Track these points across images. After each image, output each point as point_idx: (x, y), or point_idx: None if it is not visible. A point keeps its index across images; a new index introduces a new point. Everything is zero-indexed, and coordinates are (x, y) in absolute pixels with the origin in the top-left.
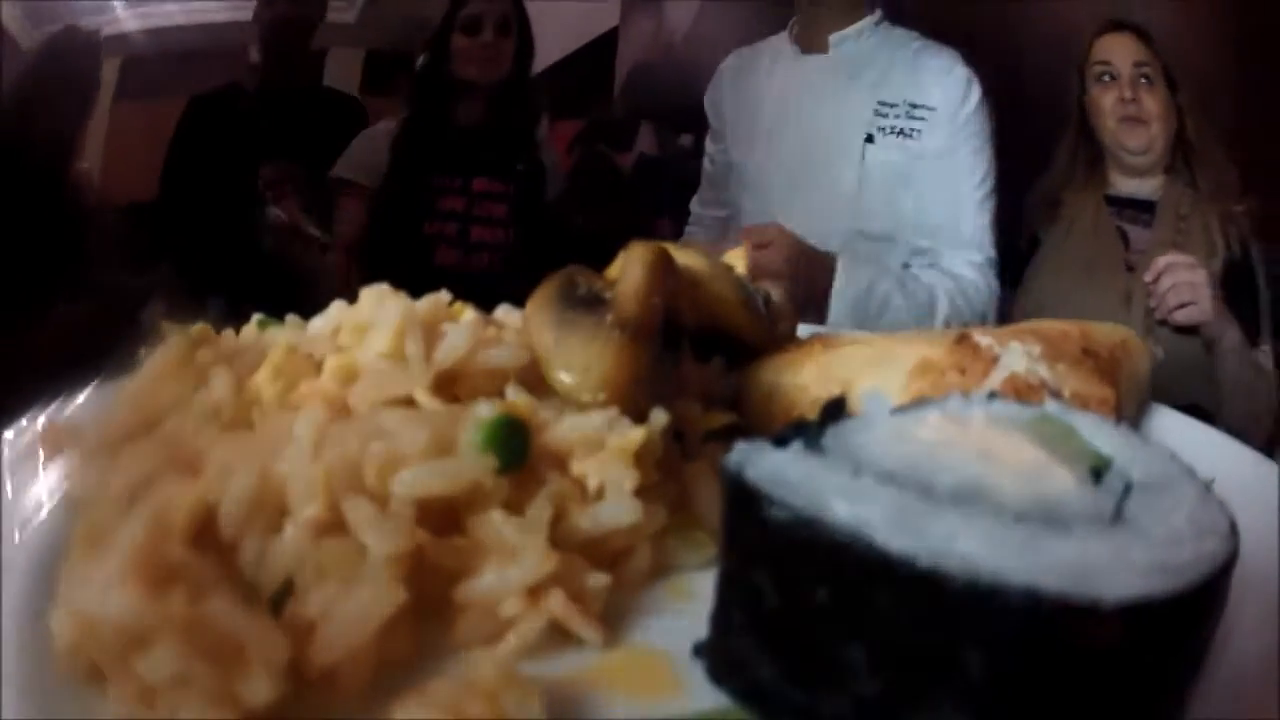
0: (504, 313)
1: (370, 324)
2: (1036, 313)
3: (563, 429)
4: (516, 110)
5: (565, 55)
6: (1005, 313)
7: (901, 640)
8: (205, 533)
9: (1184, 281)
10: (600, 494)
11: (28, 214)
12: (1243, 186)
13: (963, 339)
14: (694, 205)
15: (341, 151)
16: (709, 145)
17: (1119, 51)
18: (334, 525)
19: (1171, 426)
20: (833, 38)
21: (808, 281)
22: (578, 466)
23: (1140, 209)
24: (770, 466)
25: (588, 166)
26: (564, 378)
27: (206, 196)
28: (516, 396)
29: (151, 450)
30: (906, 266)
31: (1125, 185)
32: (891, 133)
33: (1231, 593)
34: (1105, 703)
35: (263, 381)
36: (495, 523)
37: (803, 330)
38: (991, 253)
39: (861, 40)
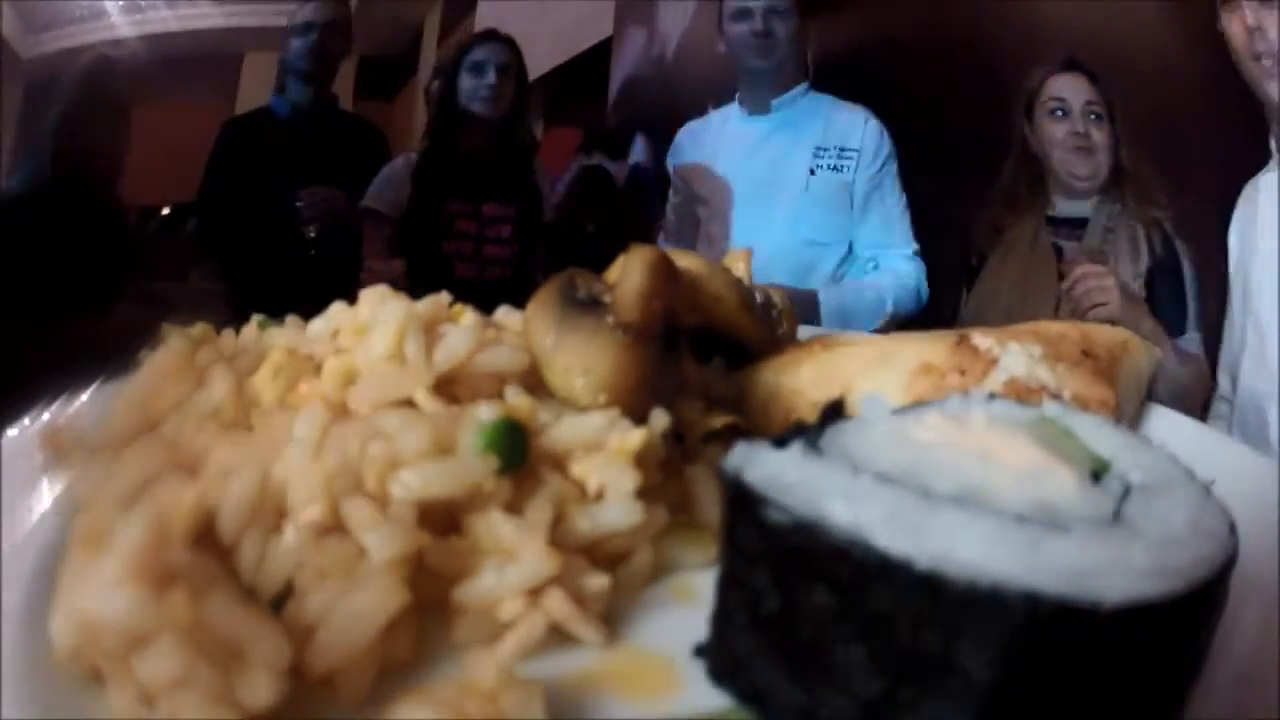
0: (504, 314)
1: (370, 325)
2: (977, 315)
3: (562, 430)
4: (516, 142)
5: (559, 64)
6: (956, 309)
7: (901, 642)
8: (205, 534)
9: (1095, 286)
10: (600, 495)
11: (80, 226)
12: (1167, 197)
13: (963, 340)
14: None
15: (362, 173)
16: (671, 198)
17: (1072, 90)
18: (334, 527)
19: (1171, 428)
20: (774, 102)
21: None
22: (578, 468)
23: (1074, 226)
24: (769, 468)
25: (585, 177)
26: (564, 379)
27: (244, 212)
28: (516, 398)
29: (152, 451)
30: (841, 268)
31: (1064, 206)
32: (827, 168)
33: (1232, 593)
34: (1105, 704)
35: (262, 383)
36: (495, 524)
37: (803, 332)
38: (915, 245)
39: (795, 104)
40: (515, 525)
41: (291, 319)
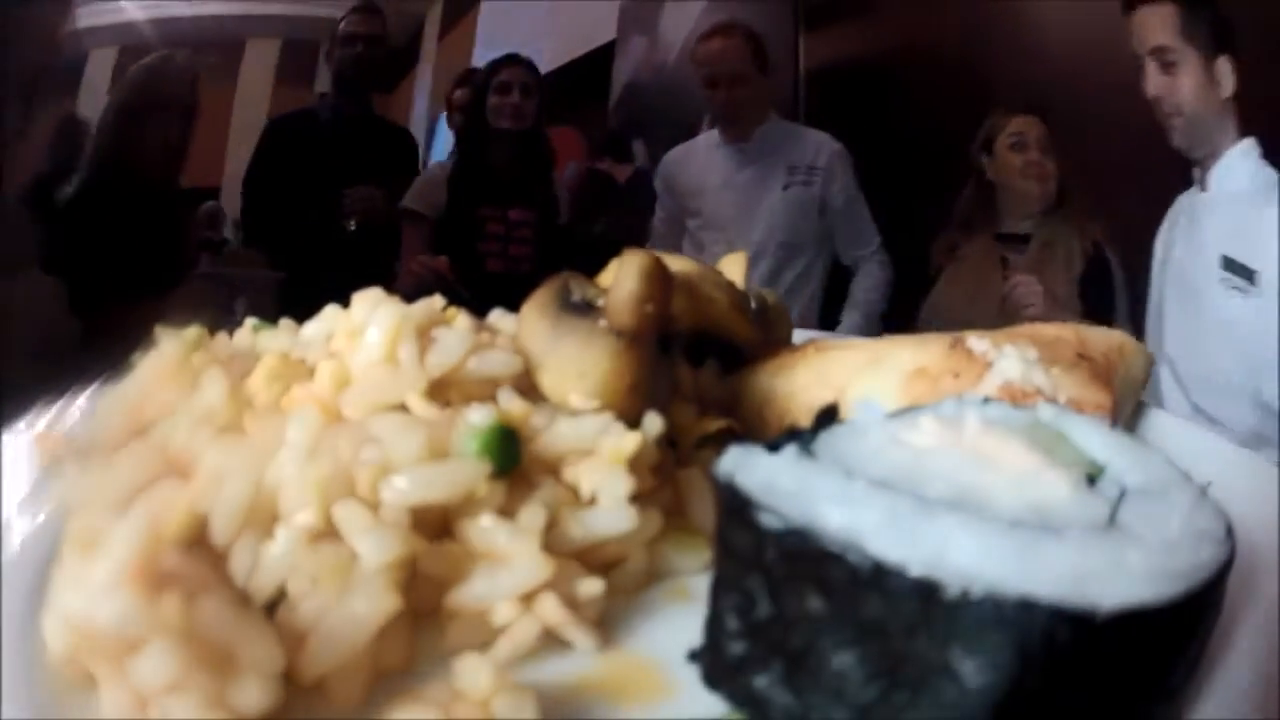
0: (498, 318)
1: (363, 329)
2: (932, 315)
3: (556, 435)
4: (537, 154)
5: (562, 64)
6: (917, 306)
7: (895, 648)
8: (198, 538)
9: (1025, 291)
10: (594, 500)
11: (143, 213)
12: (1099, 216)
13: (957, 344)
14: None
15: (396, 174)
16: (658, 212)
17: (1031, 128)
18: (326, 532)
19: (1170, 431)
20: (757, 131)
21: None
22: (571, 472)
23: (1020, 241)
24: (762, 473)
25: (587, 180)
26: (558, 383)
27: (289, 205)
28: (510, 402)
29: (145, 455)
30: (811, 266)
31: (1011, 225)
32: (798, 184)
33: (1232, 596)
34: (1101, 709)
35: (256, 386)
36: (488, 529)
37: (798, 336)
38: (879, 238)
39: (770, 130)
40: (508, 530)
41: (285, 322)
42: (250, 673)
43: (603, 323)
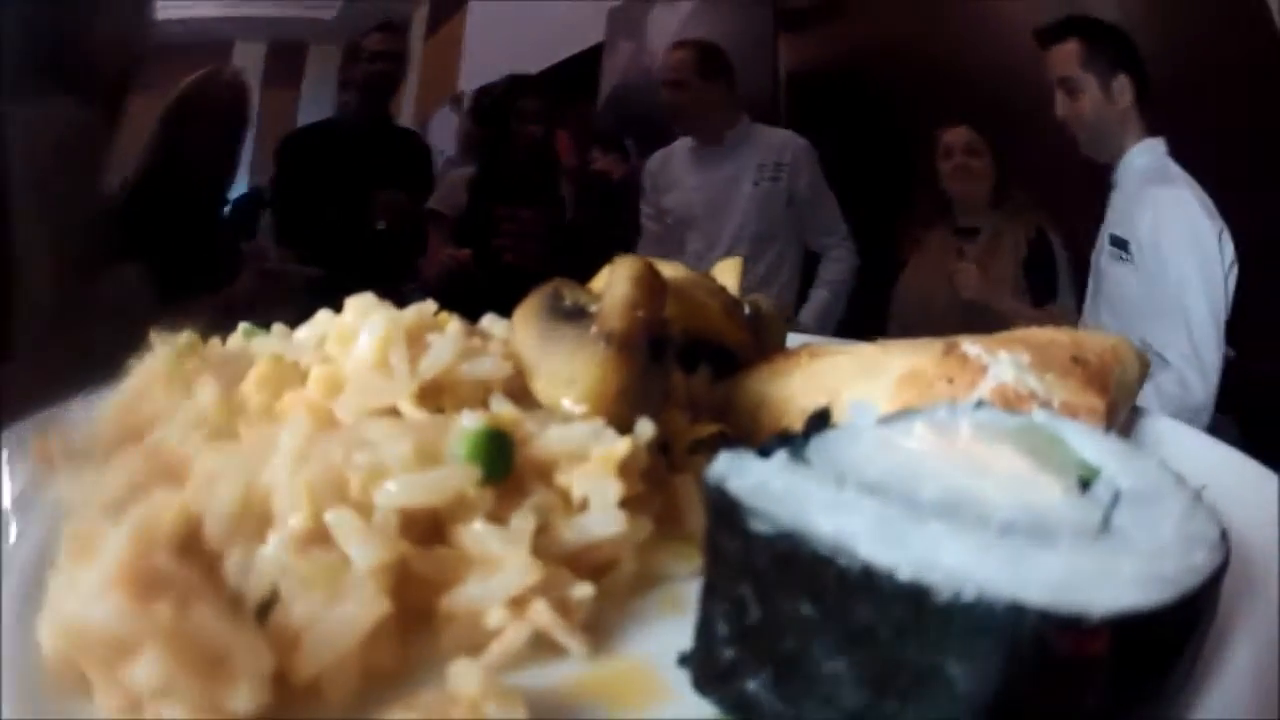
0: (489, 322)
1: (355, 333)
2: (902, 300)
3: (547, 440)
4: (547, 161)
5: (552, 64)
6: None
7: (885, 654)
8: (191, 542)
9: (964, 277)
10: (585, 505)
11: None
12: (1039, 208)
13: (951, 348)
14: None
15: (407, 174)
16: (644, 210)
17: (957, 136)
18: (318, 536)
19: (1163, 434)
20: (728, 134)
21: None
22: (562, 477)
23: (972, 233)
24: (753, 478)
25: (582, 179)
26: (549, 388)
27: (317, 209)
28: (501, 407)
29: (139, 459)
30: (782, 253)
31: (964, 219)
32: (767, 180)
33: (1229, 601)
34: (1092, 716)
35: (249, 391)
36: (479, 534)
37: (792, 340)
38: (846, 226)
39: (739, 133)
40: (499, 535)
41: (278, 327)
42: (242, 676)
43: (594, 328)
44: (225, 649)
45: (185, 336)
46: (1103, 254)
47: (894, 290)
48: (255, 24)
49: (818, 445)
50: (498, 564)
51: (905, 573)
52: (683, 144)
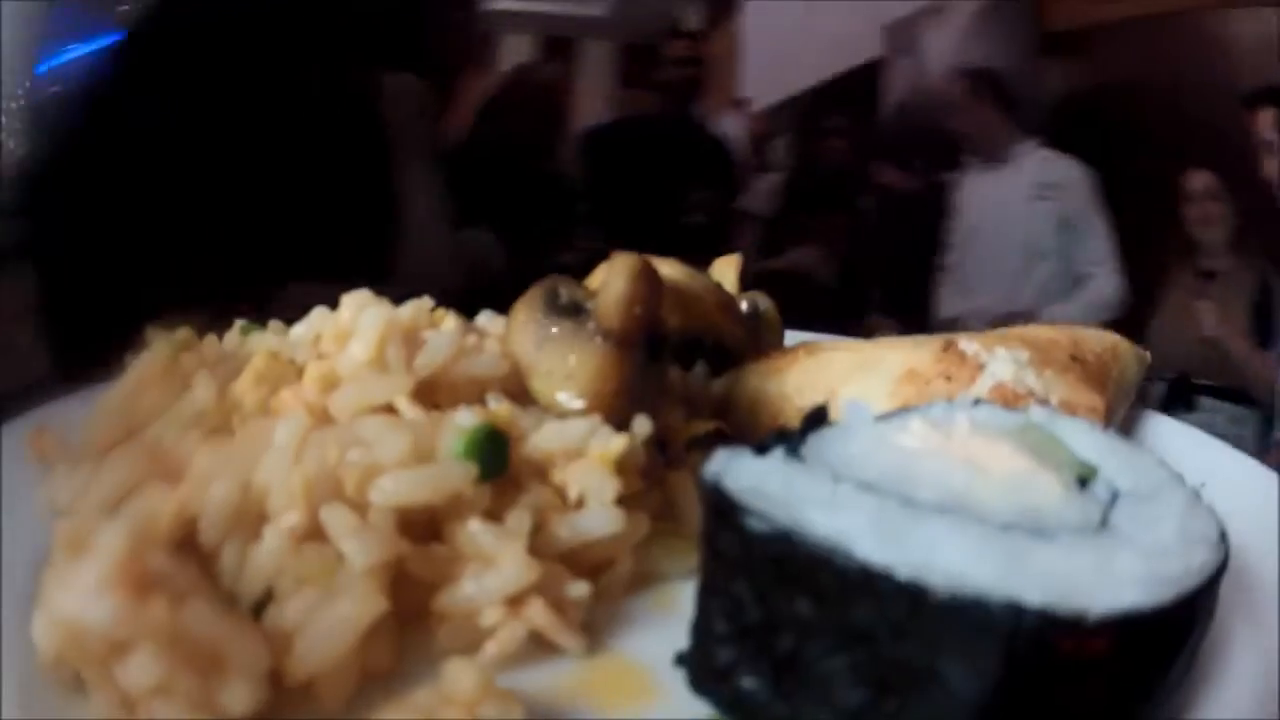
0: (486, 320)
1: (351, 331)
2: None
3: (544, 437)
4: (851, 174)
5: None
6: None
7: (883, 652)
8: (187, 540)
9: (1207, 313)
10: (581, 503)
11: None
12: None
13: (949, 346)
14: None
15: (712, 174)
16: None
17: (1197, 180)
18: (313, 533)
19: (1163, 433)
20: (1009, 152)
21: None
22: (559, 475)
23: (1210, 275)
24: (749, 476)
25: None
26: (546, 385)
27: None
28: (497, 405)
29: (135, 457)
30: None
31: (1205, 262)
32: (1042, 199)
33: (1228, 600)
34: (1090, 713)
35: (244, 388)
36: (475, 532)
37: (790, 338)
38: (1115, 252)
39: (1020, 152)
40: (495, 533)
41: (274, 324)
42: (237, 674)
43: (591, 325)
44: (220, 647)
45: (181, 333)
46: None
47: (1150, 325)
48: (531, 19)
49: (814, 443)
50: (494, 562)
51: (903, 572)
52: (970, 162)
